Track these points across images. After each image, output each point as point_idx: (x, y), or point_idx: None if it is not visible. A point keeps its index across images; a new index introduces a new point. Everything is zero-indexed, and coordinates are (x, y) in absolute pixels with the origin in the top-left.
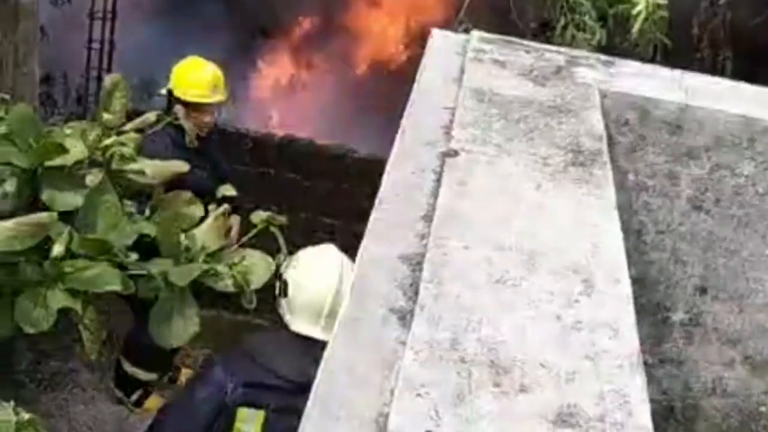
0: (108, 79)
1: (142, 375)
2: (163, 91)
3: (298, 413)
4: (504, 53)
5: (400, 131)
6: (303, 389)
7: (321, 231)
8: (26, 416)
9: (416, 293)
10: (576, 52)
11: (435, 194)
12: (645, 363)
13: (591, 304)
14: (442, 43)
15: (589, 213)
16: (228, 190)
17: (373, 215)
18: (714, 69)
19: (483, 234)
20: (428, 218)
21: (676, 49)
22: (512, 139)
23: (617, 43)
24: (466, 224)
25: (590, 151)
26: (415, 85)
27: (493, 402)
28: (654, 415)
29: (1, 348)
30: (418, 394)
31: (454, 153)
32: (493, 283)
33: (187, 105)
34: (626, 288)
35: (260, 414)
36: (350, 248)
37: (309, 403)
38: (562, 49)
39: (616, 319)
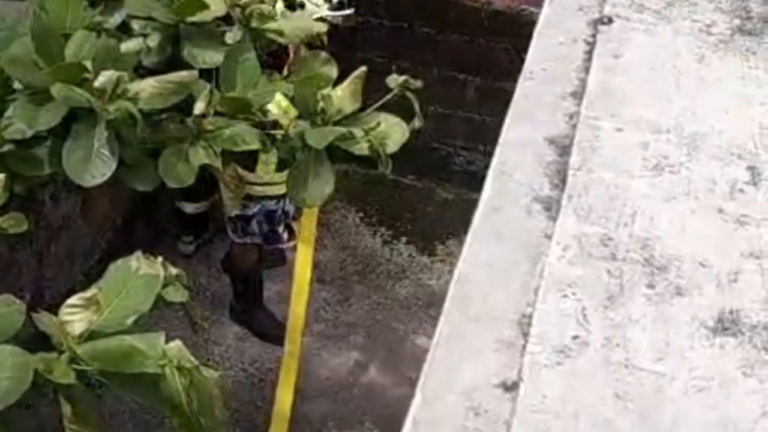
0: None
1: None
2: None
3: None
4: None
5: None
6: None
7: (454, 87)
8: (174, 271)
9: (563, 181)
10: None
11: (586, 68)
12: None
13: (758, 194)
14: None
15: (756, 89)
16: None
17: (518, 91)
18: None
19: (638, 114)
20: (578, 96)
21: None
22: (672, 4)
23: None
24: (620, 103)
25: (760, 17)
26: None
27: (646, 305)
28: None
29: (145, 199)
30: (565, 295)
31: (608, 20)
32: (649, 171)
33: None
34: None
35: None
36: (483, 103)
37: (447, 302)
38: None
39: None
